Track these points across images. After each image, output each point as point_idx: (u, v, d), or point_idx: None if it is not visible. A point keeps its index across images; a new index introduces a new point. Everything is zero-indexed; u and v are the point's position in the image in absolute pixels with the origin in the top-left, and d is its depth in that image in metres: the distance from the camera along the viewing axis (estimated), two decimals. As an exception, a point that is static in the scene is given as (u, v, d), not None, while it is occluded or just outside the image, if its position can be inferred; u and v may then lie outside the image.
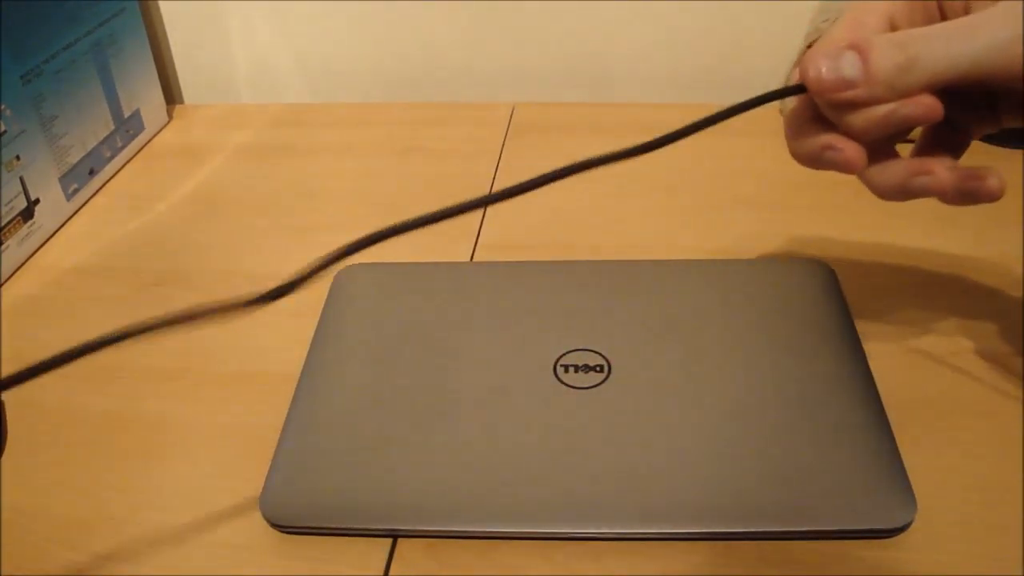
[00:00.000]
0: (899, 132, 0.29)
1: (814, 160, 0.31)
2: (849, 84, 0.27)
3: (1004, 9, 0.25)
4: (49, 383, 0.45)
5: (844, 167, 0.30)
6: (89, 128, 0.61)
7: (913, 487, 0.35)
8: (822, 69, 0.27)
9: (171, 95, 0.76)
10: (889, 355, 0.43)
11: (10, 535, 0.38)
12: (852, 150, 0.29)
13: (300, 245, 0.55)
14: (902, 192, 0.30)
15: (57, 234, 0.59)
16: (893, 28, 0.29)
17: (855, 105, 0.27)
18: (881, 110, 0.27)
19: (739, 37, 0.68)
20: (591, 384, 0.40)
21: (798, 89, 0.29)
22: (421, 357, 0.42)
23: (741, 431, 0.38)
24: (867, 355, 0.41)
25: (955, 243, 0.50)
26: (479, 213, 0.57)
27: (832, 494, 0.35)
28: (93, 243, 0.57)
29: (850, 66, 0.26)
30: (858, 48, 0.27)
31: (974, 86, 0.27)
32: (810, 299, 0.44)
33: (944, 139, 0.31)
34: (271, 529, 0.37)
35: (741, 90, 0.40)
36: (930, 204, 0.54)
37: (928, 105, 0.27)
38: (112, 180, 0.64)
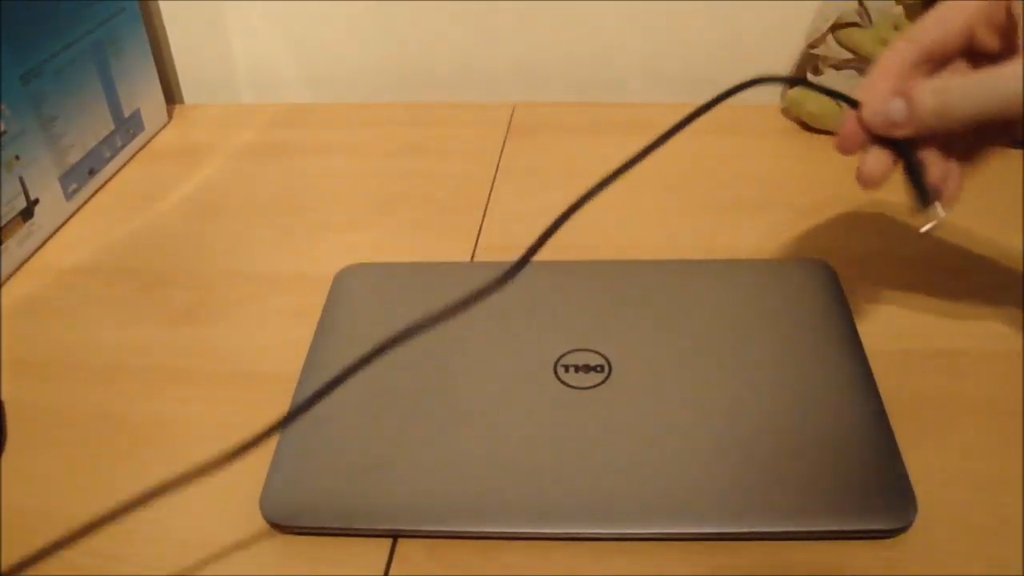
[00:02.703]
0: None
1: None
2: (897, 124, 0.35)
3: (1016, 67, 0.33)
4: (49, 383, 0.46)
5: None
6: (89, 128, 0.61)
7: (913, 487, 0.35)
8: (877, 113, 0.36)
9: (171, 95, 0.76)
10: (889, 355, 0.42)
11: (10, 535, 0.38)
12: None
13: (300, 245, 0.55)
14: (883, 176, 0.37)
15: (57, 234, 0.58)
16: (971, 33, 0.36)
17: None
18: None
19: (739, 38, 0.68)
20: (591, 384, 0.40)
21: (852, 103, 0.37)
22: (421, 357, 0.42)
23: (741, 431, 0.38)
24: (867, 355, 0.41)
25: (955, 243, 0.50)
26: (479, 214, 0.57)
27: (832, 494, 0.35)
28: (93, 243, 0.57)
29: (898, 111, 0.35)
30: (904, 96, 0.35)
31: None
32: (810, 299, 0.44)
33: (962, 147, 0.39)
34: (271, 529, 0.37)
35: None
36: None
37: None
38: (112, 180, 0.64)
